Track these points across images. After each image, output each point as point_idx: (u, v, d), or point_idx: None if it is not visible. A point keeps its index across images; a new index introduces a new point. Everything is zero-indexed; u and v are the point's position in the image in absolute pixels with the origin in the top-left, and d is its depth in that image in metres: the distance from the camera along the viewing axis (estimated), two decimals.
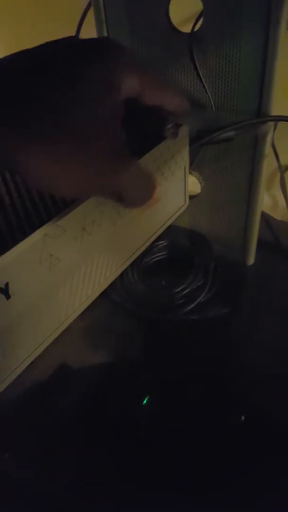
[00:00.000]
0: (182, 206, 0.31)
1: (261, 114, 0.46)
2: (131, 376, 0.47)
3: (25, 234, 0.23)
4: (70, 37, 0.25)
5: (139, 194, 0.25)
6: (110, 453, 0.35)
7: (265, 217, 0.69)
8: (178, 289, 0.57)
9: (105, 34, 0.51)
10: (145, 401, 0.41)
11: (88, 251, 0.26)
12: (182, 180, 0.29)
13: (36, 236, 0.24)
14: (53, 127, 0.21)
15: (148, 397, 0.41)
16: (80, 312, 0.29)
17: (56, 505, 0.32)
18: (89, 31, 0.54)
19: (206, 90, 0.48)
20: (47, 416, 0.40)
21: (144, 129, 0.26)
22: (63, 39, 0.24)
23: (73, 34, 0.58)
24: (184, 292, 0.58)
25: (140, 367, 0.49)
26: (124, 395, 0.44)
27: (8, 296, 0.23)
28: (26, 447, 0.35)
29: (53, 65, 0.22)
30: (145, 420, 0.40)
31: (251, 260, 0.62)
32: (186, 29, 0.48)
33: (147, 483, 0.32)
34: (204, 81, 0.48)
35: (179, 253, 0.62)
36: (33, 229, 0.24)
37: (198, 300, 0.58)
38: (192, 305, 0.58)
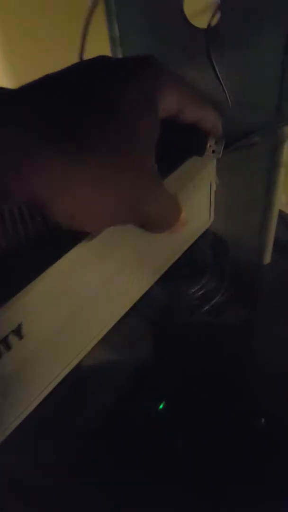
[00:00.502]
0: (207, 222, 0.29)
1: (280, 112, 0.45)
2: (145, 379, 0.47)
3: (39, 270, 0.21)
4: (103, 57, 0.23)
5: (164, 220, 0.24)
6: (120, 458, 0.35)
7: (281, 215, 0.67)
8: (193, 290, 0.57)
9: (116, 32, 0.50)
10: (161, 406, 0.41)
11: (109, 277, 0.24)
12: (207, 196, 0.27)
13: (53, 271, 0.21)
14: (98, 164, 0.19)
15: (164, 402, 0.41)
16: (100, 338, 0.27)
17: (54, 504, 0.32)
18: (97, 29, 0.53)
19: (222, 87, 0.46)
20: (60, 420, 0.39)
21: (183, 147, 0.25)
22: (96, 59, 0.23)
23: (78, 32, 0.56)
24: (199, 293, 0.57)
25: (154, 370, 0.49)
26: (139, 399, 0.43)
27: (20, 337, 0.21)
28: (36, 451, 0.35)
29: (91, 91, 0.20)
30: (160, 423, 0.39)
31: (267, 259, 0.61)
32: (202, 23, 0.46)
33: (154, 485, 0.32)
34: (220, 78, 0.46)
35: (194, 254, 0.61)
36: (48, 263, 0.21)
37: (214, 301, 0.58)
38: (208, 306, 0.57)
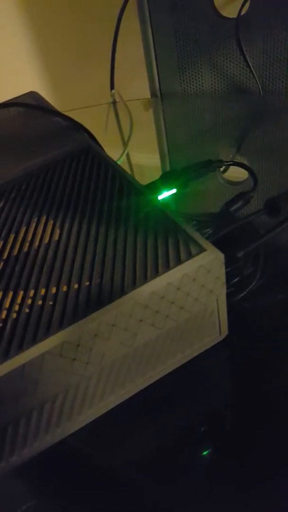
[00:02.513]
0: (218, 337, 0.26)
1: None
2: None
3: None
4: None
5: None
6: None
7: None
8: (227, 278, 0.58)
9: (149, 29, 0.51)
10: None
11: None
12: (214, 313, 0.24)
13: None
14: None
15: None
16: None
17: None
18: (128, 26, 0.55)
19: (253, 75, 0.47)
20: None
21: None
22: None
23: (115, 19, 0.57)
24: (234, 280, 0.58)
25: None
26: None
27: None
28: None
29: None
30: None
31: None
32: (231, 13, 0.47)
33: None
34: (251, 66, 0.47)
35: (225, 240, 0.62)
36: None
37: (250, 287, 0.58)
38: (244, 293, 0.58)
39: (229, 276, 0.60)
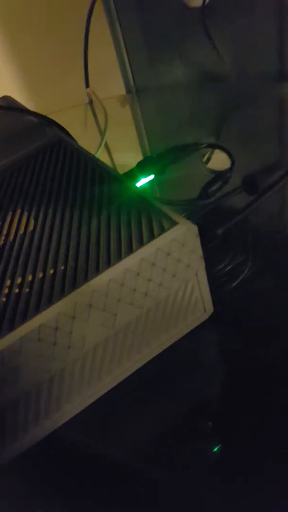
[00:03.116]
0: (203, 315, 0.25)
1: (283, 76, 0.45)
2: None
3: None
4: None
5: None
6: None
7: None
8: (220, 267, 0.57)
9: (117, 25, 0.52)
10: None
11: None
12: (195, 290, 0.23)
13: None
14: None
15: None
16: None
17: None
18: (98, 25, 0.55)
19: (224, 62, 0.47)
20: None
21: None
22: None
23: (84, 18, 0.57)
24: (226, 269, 0.58)
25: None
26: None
27: None
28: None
29: None
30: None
31: None
32: (196, 2, 0.47)
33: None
34: (221, 54, 0.47)
35: (206, 221, 0.62)
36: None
37: (242, 276, 0.58)
38: (236, 282, 0.58)
39: (220, 266, 0.60)
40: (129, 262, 0.19)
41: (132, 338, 0.22)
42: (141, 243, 0.20)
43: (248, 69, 0.48)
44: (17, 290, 0.20)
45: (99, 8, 0.55)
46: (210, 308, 0.26)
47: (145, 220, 0.21)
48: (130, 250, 0.20)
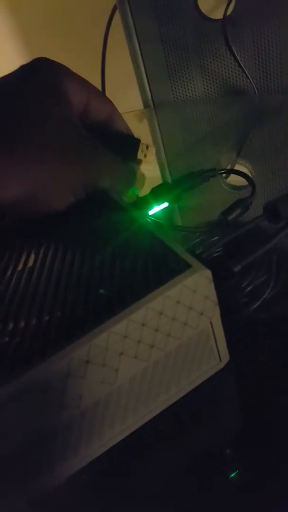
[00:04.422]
0: (216, 365, 0.23)
1: None
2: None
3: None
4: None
5: (113, 171, 0.25)
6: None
7: None
8: (241, 287, 0.55)
9: (135, 39, 0.50)
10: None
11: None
12: (210, 338, 0.21)
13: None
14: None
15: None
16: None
17: None
18: (116, 39, 0.54)
19: (246, 74, 0.45)
20: None
21: (117, 151, 0.25)
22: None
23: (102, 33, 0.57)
24: (247, 289, 0.55)
25: None
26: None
27: None
28: None
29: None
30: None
31: None
32: (217, 14, 0.45)
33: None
34: (243, 66, 0.45)
35: (236, 248, 0.59)
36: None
37: (264, 296, 0.55)
38: (258, 303, 0.55)
39: (242, 286, 0.57)
40: (133, 312, 0.17)
41: (138, 392, 0.20)
42: (147, 290, 0.18)
43: (271, 82, 0.45)
44: (6, 339, 0.18)
45: (117, 22, 0.54)
46: (226, 357, 0.23)
47: (152, 262, 0.19)
48: (135, 298, 0.17)
